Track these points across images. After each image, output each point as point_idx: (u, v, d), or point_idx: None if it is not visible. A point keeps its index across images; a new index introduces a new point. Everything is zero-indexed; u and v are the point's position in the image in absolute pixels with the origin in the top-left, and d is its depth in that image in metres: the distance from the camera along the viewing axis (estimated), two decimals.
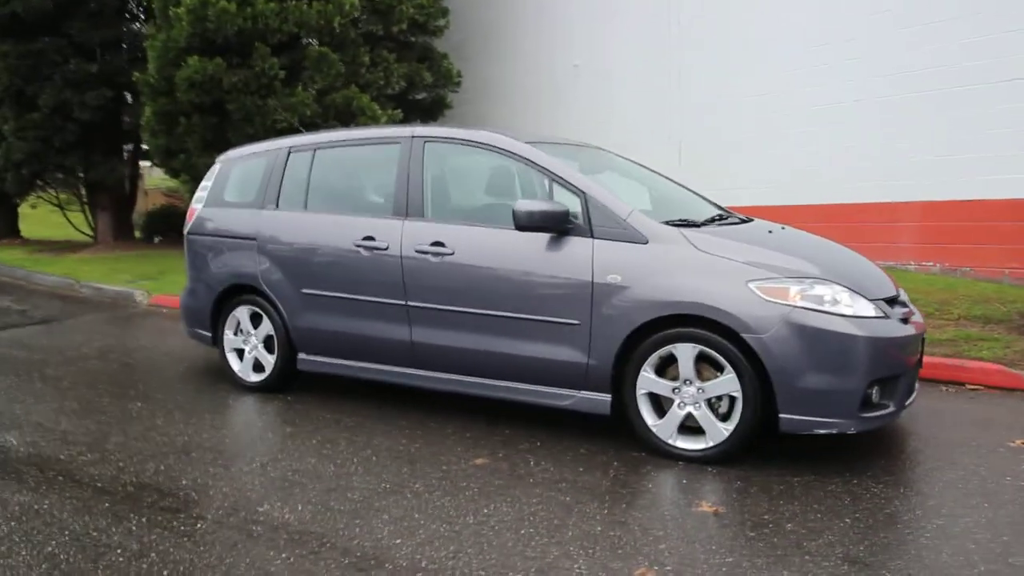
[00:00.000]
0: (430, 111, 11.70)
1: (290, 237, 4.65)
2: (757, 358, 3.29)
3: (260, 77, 9.18)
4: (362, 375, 4.46)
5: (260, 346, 4.83)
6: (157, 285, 9.40)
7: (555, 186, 3.86)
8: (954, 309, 6.12)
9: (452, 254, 4.01)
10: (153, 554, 2.67)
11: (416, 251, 4.11)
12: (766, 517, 2.89)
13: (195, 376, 5.30)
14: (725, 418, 3.43)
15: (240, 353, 4.96)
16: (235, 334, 4.96)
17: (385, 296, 4.25)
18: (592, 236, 3.69)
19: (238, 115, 9.28)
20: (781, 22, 8.91)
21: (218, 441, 3.92)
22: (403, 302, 4.18)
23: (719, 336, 3.36)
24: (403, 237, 4.18)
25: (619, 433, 3.82)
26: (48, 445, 3.83)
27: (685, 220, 3.85)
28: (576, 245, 3.71)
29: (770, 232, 3.96)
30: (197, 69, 8.91)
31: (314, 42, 9.59)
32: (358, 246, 4.32)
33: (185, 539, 2.79)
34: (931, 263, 7.59)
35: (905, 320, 3.57)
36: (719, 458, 3.42)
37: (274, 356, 4.75)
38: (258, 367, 4.87)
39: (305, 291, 4.55)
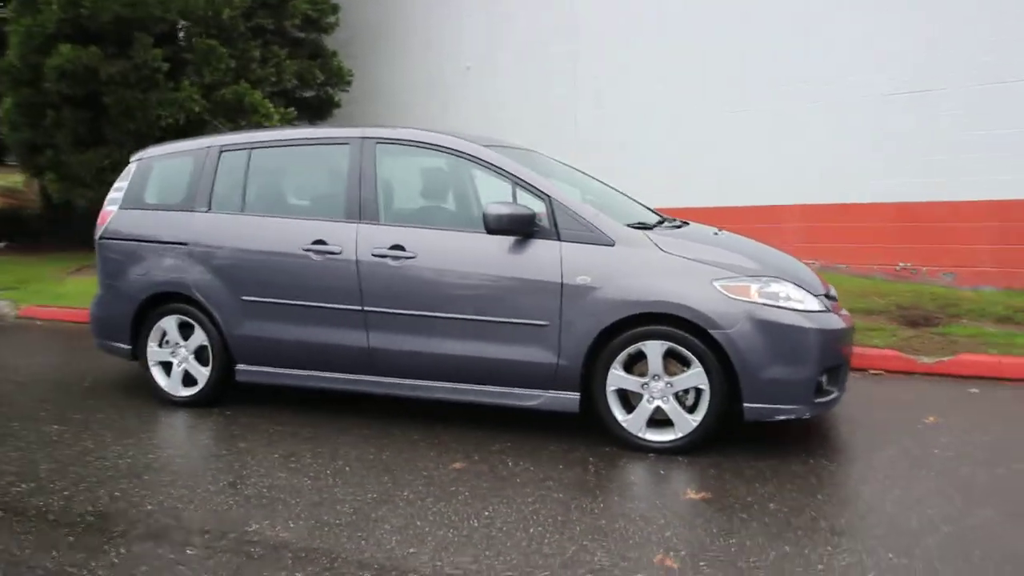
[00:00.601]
0: (318, 110, 11.35)
1: (227, 241, 4.39)
2: (722, 352, 3.52)
3: (141, 69, 8.54)
4: (311, 384, 4.30)
5: (191, 358, 4.53)
6: (22, 295, 8.54)
7: (519, 190, 3.93)
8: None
9: (413, 257, 3.97)
10: None
11: (373, 255, 4.03)
12: (750, 499, 3.12)
13: (108, 393, 4.88)
14: (691, 410, 3.64)
15: (166, 366, 4.62)
16: (160, 346, 4.62)
17: (339, 302, 4.13)
18: (559, 239, 3.78)
19: (116, 109, 8.59)
20: (679, 24, 9.37)
21: (167, 461, 3.65)
22: (359, 307, 4.08)
23: (687, 333, 3.57)
24: (358, 241, 4.08)
25: (583, 430, 3.94)
26: None
27: (642, 223, 4.04)
28: (543, 248, 3.79)
29: (715, 234, 4.23)
30: (70, 58, 8.15)
31: (201, 34, 9.05)
32: (307, 250, 4.16)
33: (181, 567, 2.60)
34: (811, 260, 8.34)
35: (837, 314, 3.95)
36: (687, 448, 3.62)
37: (208, 368, 4.47)
38: (189, 380, 4.56)
39: (246, 298, 4.32)
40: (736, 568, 2.56)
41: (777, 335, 3.51)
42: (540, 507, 3.07)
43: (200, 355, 4.53)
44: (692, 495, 3.17)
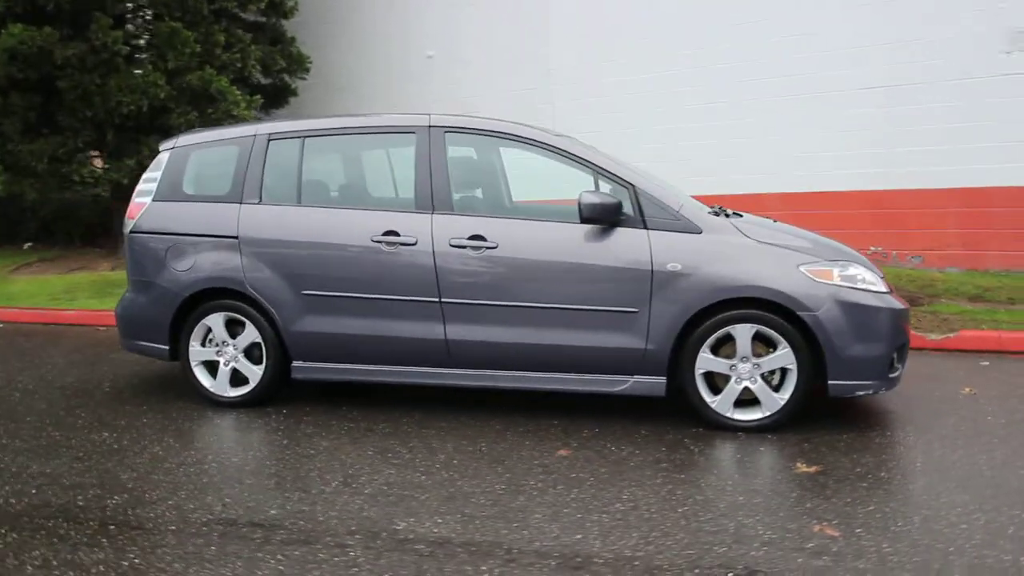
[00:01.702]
0: (274, 98, 10.92)
1: (284, 234, 4.22)
2: (808, 333, 3.70)
3: (100, 52, 7.96)
4: (377, 379, 4.20)
5: (241, 356, 4.33)
6: None
7: (601, 179, 3.97)
8: None
9: (495, 247, 3.94)
10: None
11: (452, 245, 3.98)
12: (859, 470, 3.30)
13: (139, 396, 4.61)
14: (776, 389, 3.81)
15: (210, 366, 4.40)
16: (203, 345, 4.39)
17: (413, 294, 4.05)
18: (645, 227, 3.85)
19: (72, 95, 7.98)
20: (652, 12, 9.54)
21: (259, 465, 3.49)
22: (435, 299, 4.01)
23: (775, 316, 3.72)
24: (433, 231, 4.01)
25: (660, 413, 4.03)
26: (47, 493, 3.17)
27: (721, 210, 4.16)
28: (630, 236, 3.85)
29: (775, 221, 4.42)
30: (22, 39, 7.49)
31: (163, 16, 8.52)
32: (377, 242, 4.06)
33: (355, 569, 2.52)
34: None
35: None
36: (773, 426, 3.78)
37: (261, 367, 4.29)
38: (237, 380, 4.36)
39: (307, 292, 4.16)
40: (891, 532, 2.72)
41: (857, 315, 3.71)
42: (674, 488, 3.15)
43: (250, 353, 4.34)
44: (804, 468, 3.33)
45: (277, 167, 4.36)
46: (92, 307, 7.45)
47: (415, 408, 4.26)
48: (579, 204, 3.78)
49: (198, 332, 4.38)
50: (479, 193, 4.32)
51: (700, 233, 3.83)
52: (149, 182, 4.52)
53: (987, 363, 5.13)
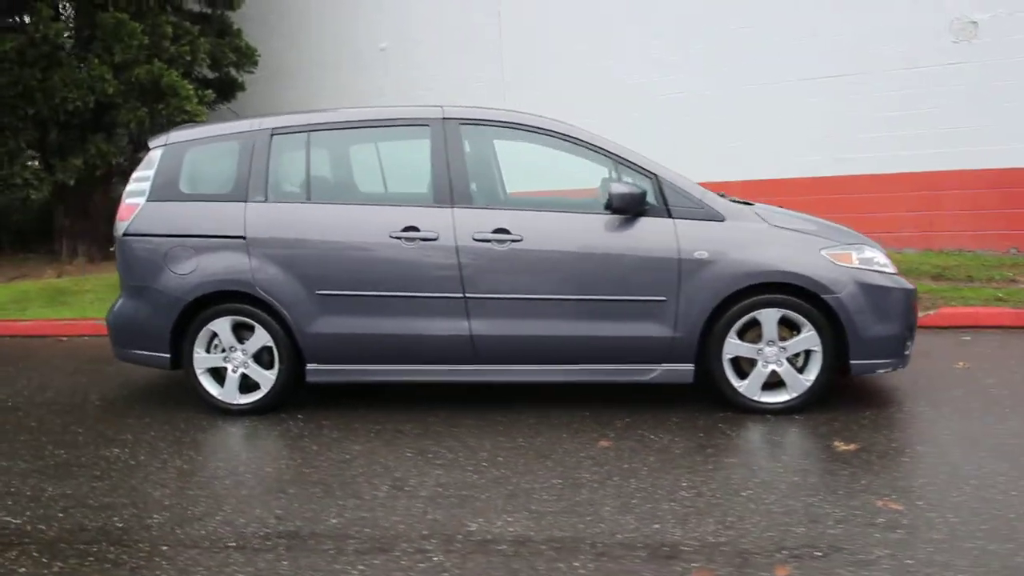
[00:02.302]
0: (221, 92, 10.47)
1: (295, 233, 4.05)
2: (832, 315, 3.80)
3: (40, 45, 7.45)
4: (398, 378, 4.10)
5: (250, 361, 4.14)
6: None
7: (622, 169, 3.97)
8: None
9: (520, 240, 3.89)
10: None
11: (475, 239, 3.90)
12: (895, 445, 3.42)
13: (137, 407, 4.36)
14: (800, 372, 3.90)
15: (216, 373, 4.20)
16: (208, 351, 4.18)
17: (435, 290, 3.96)
18: (670, 216, 3.88)
19: (11, 91, 7.44)
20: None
21: (296, 474, 3.35)
22: (459, 294, 3.94)
23: (800, 299, 3.81)
24: (455, 225, 3.93)
25: (683, 399, 4.08)
26: (77, 516, 2.96)
27: (738, 199, 4.23)
28: (655, 225, 3.87)
29: (781, 207, 4.52)
30: None
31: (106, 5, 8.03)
32: (396, 238, 3.94)
33: (445, 575, 2.45)
34: None
35: None
36: (800, 407, 3.88)
37: (273, 371, 4.12)
38: (247, 386, 4.17)
39: (321, 292, 4.01)
40: (950, 503, 2.82)
41: (875, 296, 3.83)
42: (729, 472, 3.19)
43: (260, 358, 4.16)
44: (844, 447, 3.42)
45: (282, 163, 4.18)
46: (47, 316, 7.00)
47: (436, 407, 4.17)
48: (609, 194, 3.78)
49: (202, 338, 4.16)
50: (501, 185, 4.26)
51: (723, 221, 3.88)
52: (141, 181, 4.25)
53: (968, 338, 5.42)
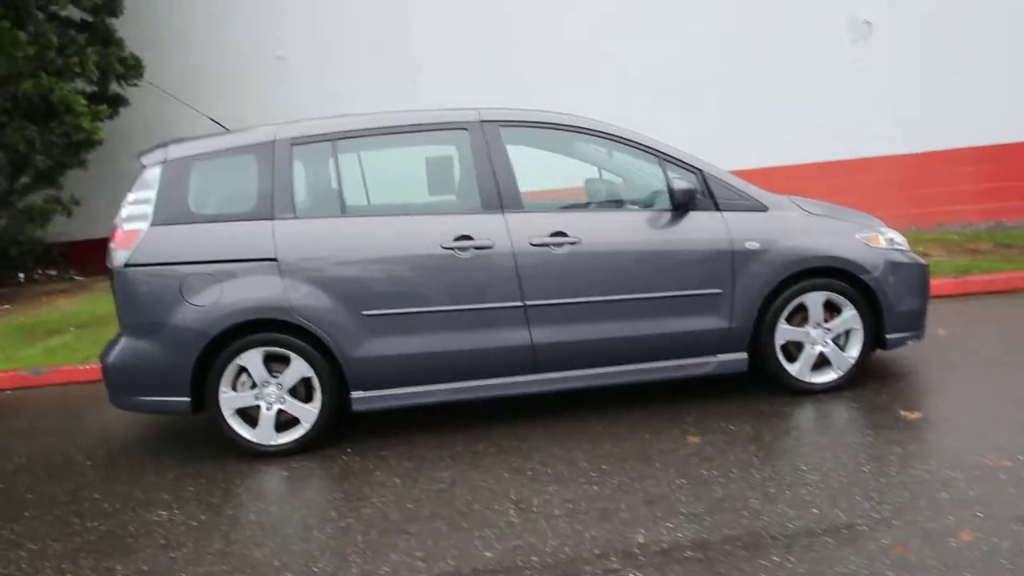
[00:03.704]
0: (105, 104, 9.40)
1: (334, 251, 3.71)
2: (870, 294, 4.03)
3: None
4: (456, 397, 3.86)
5: (286, 396, 3.74)
6: None
7: (668, 165, 3.98)
8: None
9: (577, 243, 3.80)
10: None
11: (533, 244, 3.77)
12: (952, 408, 3.70)
13: (156, 459, 3.83)
14: (842, 350, 4.10)
15: (246, 413, 3.76)
16: (234, 389, 3.74)
17: (493, 300, 3.78)
18: (718, 209, 3.95)
19: None
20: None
21: (405, 514, 3.07)
22: (519, 303, 3.78)
23: (842, 281, 4.01)
24: (510, 231, 3.77)
25: (725, 389, 4.16)
26: None
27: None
28: (705, 219, 3.92)
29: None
30: None
31: None
32: (449, 248, 3.72)
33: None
34: None
35: None
36: (845, 384, 4.08)
37: (316, 404, 3.75)
38: (286, 423, 3.77)
39: (368, 313, 3.71)
40: None
41: (902, 274, 4.11)
42: (830, 453, 3.28)
43: (295, 391, 3.78)
44: (911, 415, 3.64)
45: (308, 176, 3.84)
46: None
47: (489, 424, 3.97)
48: (672, 190, 3.78)
49: (228, 375, 3.72)
50: (553, 186, 4.14)
51: (767, 211, 4.01)
52: (140, 204, 3.72)
53: (934, 308, 5.94)
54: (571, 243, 3.81)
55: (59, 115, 7.21)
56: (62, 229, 9.86)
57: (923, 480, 2.95)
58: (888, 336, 4.10)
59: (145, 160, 3.82)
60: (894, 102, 8.50)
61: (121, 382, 3.77)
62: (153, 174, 3.77)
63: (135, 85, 9.60)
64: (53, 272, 10.34)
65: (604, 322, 3.88)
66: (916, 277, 4.18)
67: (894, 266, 4.09)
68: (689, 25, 9.02)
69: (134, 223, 3.72)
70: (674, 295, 3.91)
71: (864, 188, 8.74)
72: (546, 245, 3.80)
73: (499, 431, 3.87)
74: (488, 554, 2.66)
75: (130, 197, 3.77)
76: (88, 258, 11.13)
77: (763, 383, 4.13)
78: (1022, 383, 3.95)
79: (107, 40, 8.72)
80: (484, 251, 3.76)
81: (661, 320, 3.92)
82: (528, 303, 3.81)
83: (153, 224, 3.70)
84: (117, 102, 9.33)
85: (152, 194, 3.73)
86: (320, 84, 10.04)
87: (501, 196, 3.84)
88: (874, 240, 4.11)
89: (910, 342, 4.22)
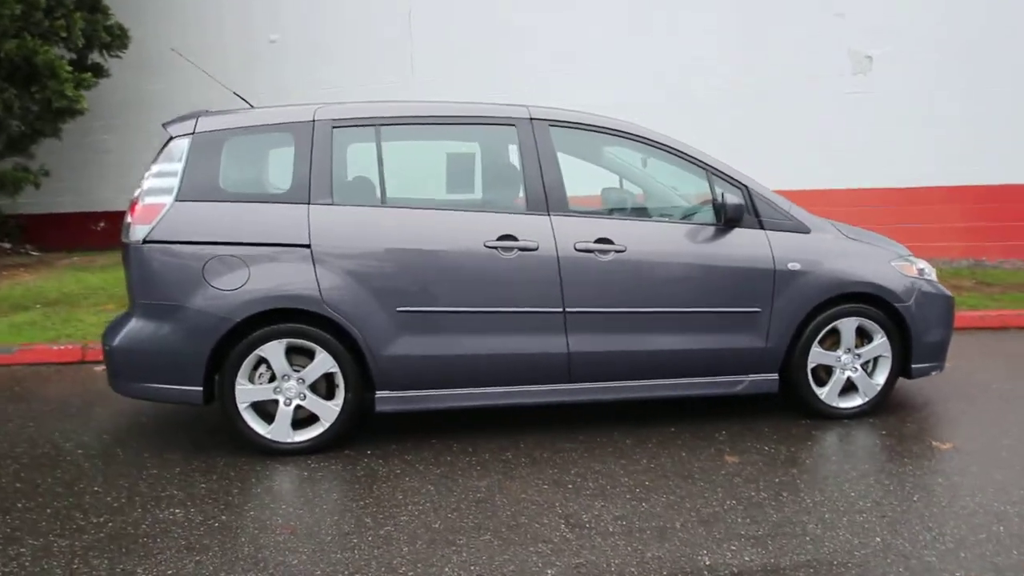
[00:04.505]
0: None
1: (372, 242, 3.53)
2: (901, 323, 4.02)
3: None
4: (486, 402, 3.70)
5: (307, 392, 3.53)
6: None
7: (715, 179, 3.91)
8: None
9: (623, 251, 3.69)
10: None
11: (577, 249, 3.64)
12: (989, 441, 3.68)
13: (145, 454, 3.55)
14: (868, 377, 4.08)
15: (262, 408, 3.53)
16: (251, 382, 3.50)
17: (533, 304, 3.64)
18: (762, 227, 3.89)
19: None
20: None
21: (447, 522, 2.89)
22: (559, 309, 3.65)
23: (875, 308, 3.99)
24: (555, 234, 3.64)
25: (752, 410, 4.11)
26: None
27: None
28: (749, 236, 3.86)
29: None
30: None
31: None
32: (491, 247, 3.57)
33: None
34: None
35: None
36: (870, 410, 4.06)
37: (338, 401, 3.55)
38: (304, 420, 3.55)
39: (403, 309, 3.53)
40: None
41: (932, 304, 4.12)
42: (874, 480, 3.23)
43: (317, 387, 3.56)
44: (942, 446, 3.63)
45: (349, 161, 3.64)
46: None
47: (513, 431, 3.82)
48: (725, 205, 3.71)
49: (247, 366, 3.49)
50: (592, 192, 4.02)
51: (809, 233, 3.97)
52: (165, 176, 3.46)
53: None
54: (617, 251, 3.70)
55: (41, 79, 6.79)
56: (24, 200, 9.35)
57: (975, 512, 2.92)
58: (914, 366, 4.10)
59: (172, 130, 3.57)
60: (890, 138, 8.67)
61: (128, 366, 3.50)
62: (180, 146, 3.52)
63: (118, 56, 9.18)
64: (7, 245, 9.78)
65: (642, 334, 3.78)
66: (943, 309, 4.19)
67: (924, 296, 4.09)
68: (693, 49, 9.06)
69: (156, 196, 3.46)
70: (715, 311, 3.83)
71: (851, 217, 8.90)
72: (591, 251, 3.68)
73: (526, 440, 3.73)
74: (549, 572, 2.51)
75: (154, 168, 3.51)
76: (47, 233, 10.58)
77: (781, 405, 4.11)
78: None
79: (93, 7, 8.29)
80: (528, 252, 3.62)
81: (699, 336, 3.83)
82: (568, 310, 3.68)
83: (178, 199, 3.45)
84: (97, 72, 8.88)
85: (178, 167, 3.48)
86: (307, 74, 9.75)
87: (547, 197, 3.71)
88: (907, 268, 4.11)
89: (933, 373, 4.23)
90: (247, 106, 3.92)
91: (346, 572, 2.51)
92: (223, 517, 2.92)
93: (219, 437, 3.77)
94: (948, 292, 4.30)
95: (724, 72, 8.89)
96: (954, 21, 8.48)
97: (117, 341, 3.50)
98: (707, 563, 2.56)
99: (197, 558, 2.61)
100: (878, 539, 2.71)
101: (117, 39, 8.52)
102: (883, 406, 4.09)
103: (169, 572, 2.52)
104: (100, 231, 10.52)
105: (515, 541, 2.72)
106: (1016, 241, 8.55)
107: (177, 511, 2.97)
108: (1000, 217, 8.55)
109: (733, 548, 2.66)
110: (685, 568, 2.52)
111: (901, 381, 4.19)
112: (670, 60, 9.00)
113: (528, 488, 3.18)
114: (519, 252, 3.62)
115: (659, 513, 2.94)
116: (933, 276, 4.27)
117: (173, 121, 3.63)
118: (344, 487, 3.25)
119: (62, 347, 5.40)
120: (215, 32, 9.96)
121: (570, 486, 3.20)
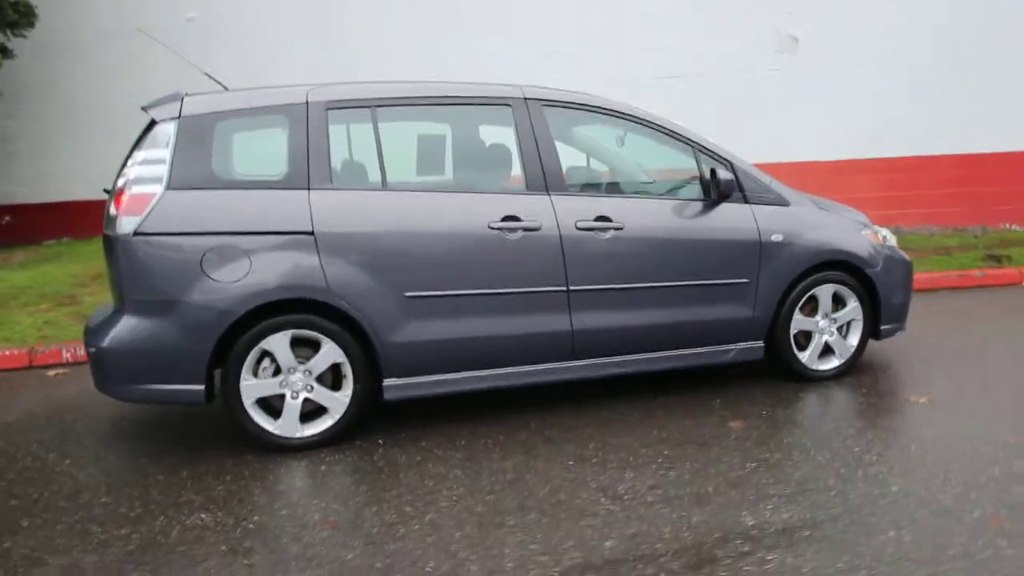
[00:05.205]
0: None
1: (377, 226, 3.44)
2: (871, 287, 4.28)
3: None
4: (490, 384, 3.71)
5: (314, 384, 3.42)
6: None
7: (701, 155, 4.01)
8: None
9: (621, 228, 3.75)
10: None
11: (579, 227, 3.67)
12: (961, 397, 3.96)
13: (142, 459, 3.38)
14: (843, 339, 4.34)
15: (267, 403, 3.39)
16: (255, 376, 3.36)
17: (537, 284, 3.66)
18: (747, 201, 4.04)
19: None
20: None
21: (482, 503, 2.90)
22: (562, 287, 3.68)
23: (849, 275, 4.23)
24: (556, 213, 3.65)
25: (730, 377, 4.31)
26: None
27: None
28: (736, 210, 4.01)
29: None
30: None
31: None
32: (496, 228, 3.55)
33: (801, 559, 2.34)
34: None
35: None
36: (846, 371, 4.32)
37: (347, 392, 3.46)
38: (312, 414, 3.44)
39: (411, 295, 3.47)
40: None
41: (896, 269, 4.41)
42: (872, 435, 3.45)
43: (323, 378, 3.46)
44: (920, 400, 3.91)
45: (346, 144, 3.52)
46: None
47: (518, 412, 3.86)
48: (717, 180, 3.83)
49: (251, 361, 3.34)
50: (593, 170, 4.03)
51: (788, 205, 4.16)
52: (152, 164, 3.24)
53: None
54: (615, 228, 3.76)
55: None
56: None
57: (972, 457, 3.16)
58: (882, 327, 4.39)
59: (155, 114, 3.35)
60: (816, 112, 9.10)
61: (120, 368, 3.28)
62: (166, 130, 3.31)
63: (23, 36, 8.45)
64: None
65: (641, 309, 3.87)
66: (905, 273, 4.50)
67: (890, 261, 4.38)
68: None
69: (145, 186, 3.25)
70: (708, 283, 3.97)
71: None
72: (592, 230, 3.73)
73: (535, 420, 3.76)
74: (608, 544, 2.56)
75: (139, 155, 3.29)
76: None
77: (760, 370, 4.32)
78: (999, 370, 4.36)
79: None
80: (532, 232, 3.63)
81: (694, 308, 3.96)
82: (571, 288, 3.72)
83: (169, 188, 3.25)
84: (2, 53, 8.14)
85: (166, 153, 3.28)
86: (229, 55, 9.26)
87: (546, 176, 3.72)
88: (874, 237, 4.39)
89: (898, 334, 4.53)
90: (221, 88, 3.73)
91: (407, 562, 2.48)
92: (256, 518, 2.81)
93: (213, 437, 3.63)
94: (907, 257, 4.61)
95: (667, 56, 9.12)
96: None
97: (107, 342, 3.27)
98: (751, 523, 2.68)
99: (245, 561, 2.51)
100: (895, 488, 2.91)
101: (24, 17, 7.84)
102: (855, 367, 4.38)
103: None
104: (5, 225, 9.76)
105: (562, 517, 2.76)
106: (930, 208, 9.23)
107: (203, 516, 2.84)
108: (915, 186, 9.20)
109: (770, 507, 2.79)
110: (734, 529, 2.63)
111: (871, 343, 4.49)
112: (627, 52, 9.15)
113: (554, 466, 3.22)
114: (523, 232, 3.62)
115: (689, 480, 3.04)
116: (894, 242, 4.58)
117: (153, 104, 3.40)
118: (369, 478, 3.18)
119: (5, 353, 4.99)
120: (131, 10, 9.32)
121: (594, 460, 3.26)
